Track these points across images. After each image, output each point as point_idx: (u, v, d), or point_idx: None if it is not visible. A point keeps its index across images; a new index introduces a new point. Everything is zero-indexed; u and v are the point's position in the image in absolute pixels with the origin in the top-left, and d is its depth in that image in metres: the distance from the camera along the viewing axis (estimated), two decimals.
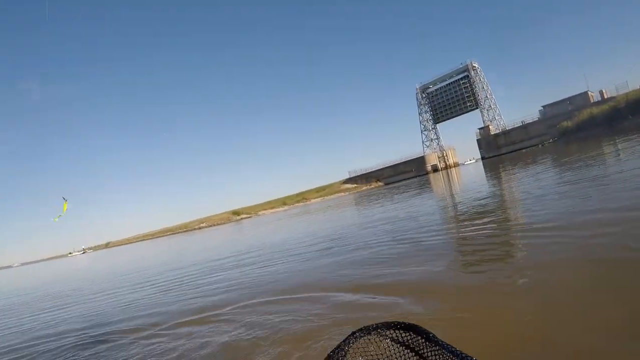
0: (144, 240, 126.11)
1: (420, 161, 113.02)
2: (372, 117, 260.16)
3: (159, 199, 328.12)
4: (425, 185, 35.62)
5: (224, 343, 4.79)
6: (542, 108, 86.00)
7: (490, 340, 3.27)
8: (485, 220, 9.08)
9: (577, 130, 54.59)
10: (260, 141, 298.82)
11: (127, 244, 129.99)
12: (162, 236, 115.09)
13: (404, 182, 69.80)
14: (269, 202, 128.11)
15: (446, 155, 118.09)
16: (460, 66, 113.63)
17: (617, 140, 24.10)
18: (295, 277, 7.98)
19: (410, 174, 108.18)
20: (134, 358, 5.05)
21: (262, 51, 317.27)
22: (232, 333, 5.09)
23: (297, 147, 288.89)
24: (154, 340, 5.64)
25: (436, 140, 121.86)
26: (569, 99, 79.16)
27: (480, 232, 7.89)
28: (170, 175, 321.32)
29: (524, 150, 67.53)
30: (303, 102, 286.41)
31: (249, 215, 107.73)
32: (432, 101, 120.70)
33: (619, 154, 17.05)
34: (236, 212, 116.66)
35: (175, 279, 12.07)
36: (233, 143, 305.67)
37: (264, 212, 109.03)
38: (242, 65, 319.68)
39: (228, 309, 6.47)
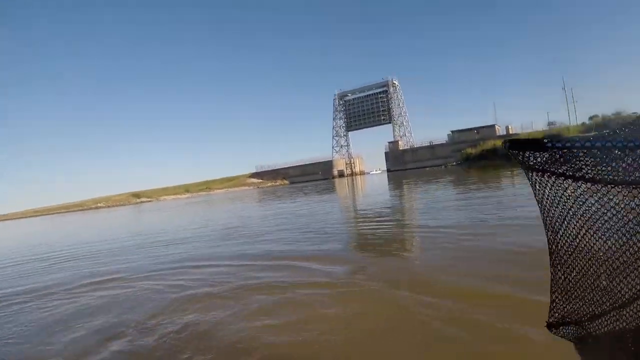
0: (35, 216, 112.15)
1: (328, 165, 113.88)
2: (287, 114, 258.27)
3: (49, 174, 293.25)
4: (330, 189, 36.64)
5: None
6: (450, 133, 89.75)
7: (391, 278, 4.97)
8: (380, 220, 10.64)
9: (480, 158, 57.50)
10: (164, 122, 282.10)
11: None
12: (56, 213, 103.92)
13: (309, 183, 70.20)
14: (173, 188, 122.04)
15: (353, 163, 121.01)
16: (382, 81, 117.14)
17: (513, 171, 25.26)
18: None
19: (317, 176, 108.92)
20: None
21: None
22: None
23: (206, 134, 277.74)
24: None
25: (346, 147, 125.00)
26: (477, 128, 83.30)
27: (376, 229, 9.22)
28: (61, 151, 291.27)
29: (427, 169, 70.37)
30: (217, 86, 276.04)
31: (149, 199, 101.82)
32: (348, 109, 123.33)
33: (505, 182, 18.65)
34: (136, 195, 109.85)
35: None
36: (132, 121, 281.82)
37: (165, 197, 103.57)
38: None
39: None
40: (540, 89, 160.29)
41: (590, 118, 53.53)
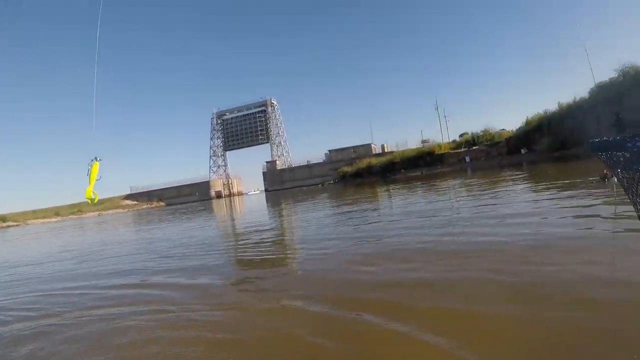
0: None
1: (205, 186, 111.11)
2: (162, 132, 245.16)
3: None
4: (205, 210, 35.16)
5: None
6: (327, 152, 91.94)
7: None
8: (259, 239, 10.38)
9: (356, 176, 59.54)
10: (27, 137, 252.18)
11: None
12: None
13: (186, 205, 67.64)
14: (42, 210, 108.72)
15: (231, 183, 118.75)
16: (260, 100, 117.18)
17: (390, 188, 26.44)
18: None
19: (194, 197, 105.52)
20: None
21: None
22: None
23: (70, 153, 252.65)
24: None
25: (224, 167, 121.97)
26: (354, 147, 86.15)
27: (255, 248, 8.91)
28: None
29: (304, 188, 70.71)
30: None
31: (17, 223, 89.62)
32: (226, 128, 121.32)
33: (376, 198, 19.26)
34: (2, 218, 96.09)
35: None
36: None
37: (34, 221, 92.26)
38: None
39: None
40: (414, 109, 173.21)
41: (461, 135, 55.84)
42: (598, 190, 9.06)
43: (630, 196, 1.33)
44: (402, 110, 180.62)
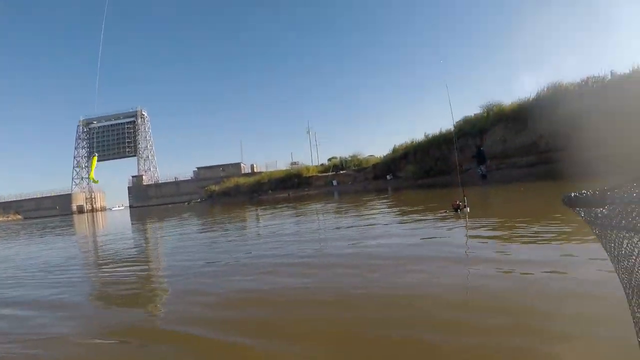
0: None
1: (66, 199, 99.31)
2: (17, 137, 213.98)
3: None
4: (67, 226, 31.14)
5: None
6: (196, 169, 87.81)
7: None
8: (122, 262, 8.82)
9: (223, 195, 56.91)
10: None
11: None
12: None
13: (46, 219, 59.71)
14: None
15: (94, 198, 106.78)
16: (131, 110, 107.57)
17: (257, 208, 25.28)
18: None
19: (54, 211, 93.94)
20: None
21: None
22: None
23: None
24: None
25: (87, 181, 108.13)
26: (223, 166, 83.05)
27: (118, 272, 7.57)
28: None
29: (170, 205, 66.82)
30: None
31: None
32: (93, 138, 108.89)
33: (250, 219, 18.15)
34: None
35: None
36: None
37: None
38: None
39: None
40: (286, 131, 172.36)
41: (329, 159, 55.64)
42: (453, 220, 8.82)
43: (613, 261, 1.19)
44: (273, 132, 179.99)
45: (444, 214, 9.76)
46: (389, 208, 15.17)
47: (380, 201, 18.96)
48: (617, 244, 1.07)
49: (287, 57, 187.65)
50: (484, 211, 10.19)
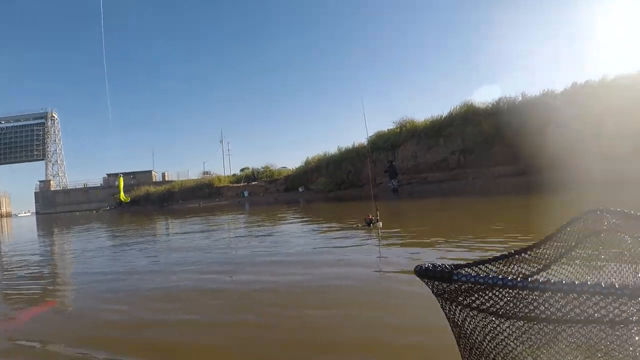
0: None
1: None
2: None
3: None
4: None
5: None
6: (106, 175, 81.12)
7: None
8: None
9: (132, 203, 53.06)
10: None
11: None
12: None
13: None
14: None
15: None
16: (41, 111, 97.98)
17: (167, 218, 24.02)
18: None
19: None
20: None
21: None
22: None
23: None
24: None
25: None
26: (134, 173, 77.17)
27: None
28: None
29: (77, 213, 61.43)
30: None
31: None
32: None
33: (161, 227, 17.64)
34: None
35: None
36: None
37: None
38: None
39: None
40: (199, 140, 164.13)
41: (242, 170, 54.11)
42: (365, 234, 8.36)
43: (454, 335, 1.20)
44: (186, 140, 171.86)
45: (358, 226, 9.29)
46: (302, 221, 13.99)
47: (291, 214, 17.86)
48: (460, 319, 1.07)
49: (206, 74, 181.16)
50: (398, 224, 10.02)
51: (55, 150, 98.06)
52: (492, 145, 24.02)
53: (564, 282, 0.82)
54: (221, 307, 4.10)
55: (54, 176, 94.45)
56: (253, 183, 44.69)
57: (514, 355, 1.00)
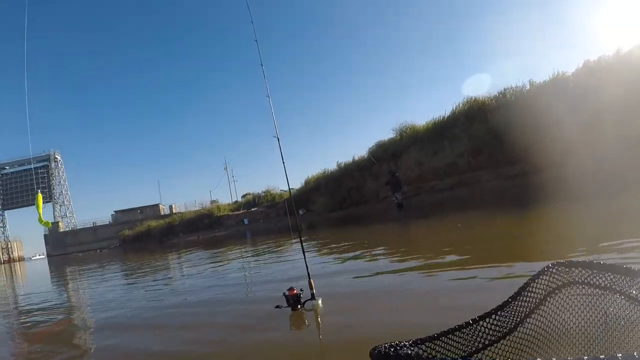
0: None
1: None
2: None
3: None
4: None
5: None
6: (114, 213, 79.10)
7: None
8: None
9: (135, 240, 50.58)
10: None
11: None
12: None
13: None
14: None
15: (11, 247, 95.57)
16: (43, 154, 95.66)
17: (167, 255, 21.38)
18: None
19: None
20: None
21: None
22: None
23: None
24: None
25: (2, 229, 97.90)
26: (141, 208, 75.42)
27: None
28: None
29: (80, 254, 58.24)
30: None
31: None
32: (5, 184, 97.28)
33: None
34: None
35: None
36: None
37: None
38: None
39: None
40: (205, 169, 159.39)
41: (243, 196, 52.62)
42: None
43: None
44: (193, 170, 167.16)
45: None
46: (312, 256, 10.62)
47: (297, 246, 14.07)
48: None
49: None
50: None
51: (62, 192, 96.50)
52: (503, 142, 20.82)
53: None
54: None
55: (62, 217, 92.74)
56: (253, 209, 42.47)
57: None
